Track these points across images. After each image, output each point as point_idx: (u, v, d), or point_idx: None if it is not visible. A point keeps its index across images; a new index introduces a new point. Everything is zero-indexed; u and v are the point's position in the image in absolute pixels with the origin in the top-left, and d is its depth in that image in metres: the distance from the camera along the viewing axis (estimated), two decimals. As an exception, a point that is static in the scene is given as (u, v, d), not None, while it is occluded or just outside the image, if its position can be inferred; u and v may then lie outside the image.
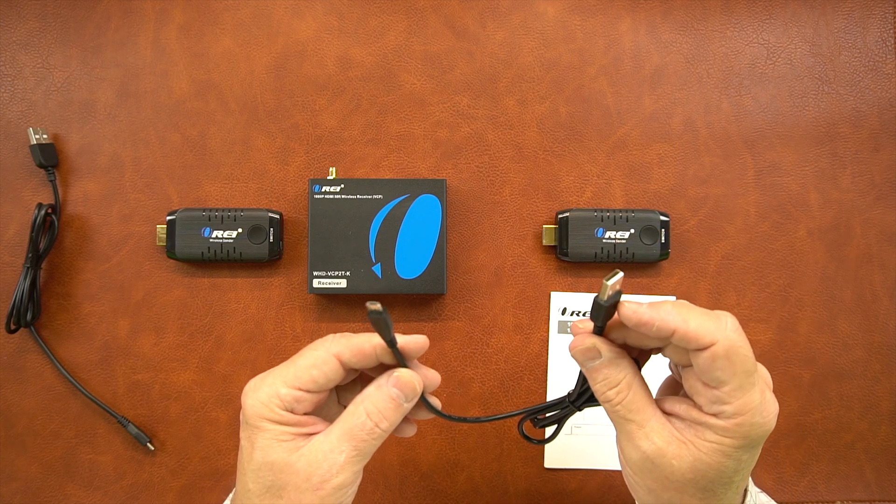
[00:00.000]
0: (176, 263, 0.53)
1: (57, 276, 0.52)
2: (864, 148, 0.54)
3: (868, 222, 0.54)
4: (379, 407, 0.34)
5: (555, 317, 0.53)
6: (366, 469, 0.52)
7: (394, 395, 0.34)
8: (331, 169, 0.52)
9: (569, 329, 0.35)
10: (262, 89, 0.53)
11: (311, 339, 0.52)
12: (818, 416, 0.53)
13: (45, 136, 0.52)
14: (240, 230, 0.51)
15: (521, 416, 0.38)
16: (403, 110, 0.54)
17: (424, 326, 0.53)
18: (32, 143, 0.51)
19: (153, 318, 0.53)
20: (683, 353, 0.33)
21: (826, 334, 0.53)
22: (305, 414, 0.34)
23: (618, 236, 0.51)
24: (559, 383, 0.53)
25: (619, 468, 0.52)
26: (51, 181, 0.52)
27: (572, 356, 0.35)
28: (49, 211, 0.51)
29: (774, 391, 0.53)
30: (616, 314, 0.33)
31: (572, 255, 0.51)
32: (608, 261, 0.52)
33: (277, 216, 0.52)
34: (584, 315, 0.53)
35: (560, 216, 0.52)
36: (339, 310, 0.53)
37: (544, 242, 0.53)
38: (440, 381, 0.37)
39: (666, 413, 0.35)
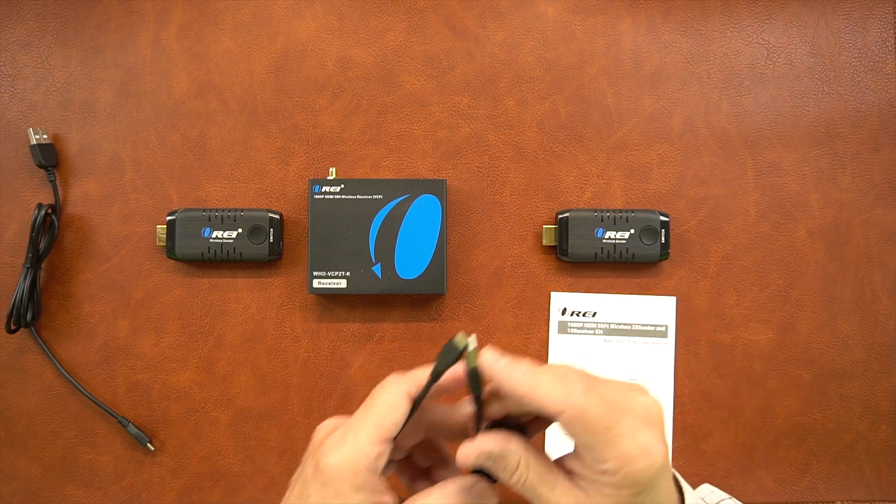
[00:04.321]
0: (176, 263, 0.53)
1: (57, 276, 0.52)
2: (864, 148, 0.54)
3: (868, 222, 0.54)
4: None
5: (555, 317, 0.53)
6: (366, 469, 0.52)
7: None
8: (331, 169, 0.52)
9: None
10: (262, 89, 0.53)
11: (312, 339, 0.53)
12: (818, 416, 0.53)
13: (45, 136, 0.52)
14: (240, 230, 0.51)
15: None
16: (403, 110, 0.54)
17: (424, 326, 0.53)
18: (32, 143, 0.51)
19: (153, 318, 0.53)
20: None
21: (826, 334, 0.53)
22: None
23: (618, 236, 0.51)
24: (559, 383, 0.53)
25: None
26: (51, 181, 0.52)
27: (468, 467, 0.35)
28: (49, 211, 0.51)
29: (775, 391, 0.53)
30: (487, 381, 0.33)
31: (572, 256, 0.51)
32: (608, 261, 0.52)
33: (277, 216, 0.52)
34: (583, 315, 0.53)
35: (560, 216, 0.52)
36: (340, 310, 0.53)
37: (544, 242, 0.53)
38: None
39: (568, 472, 0.35)
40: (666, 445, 0.33)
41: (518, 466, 0.35)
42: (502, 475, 0.35)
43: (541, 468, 0.35)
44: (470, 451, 0.34)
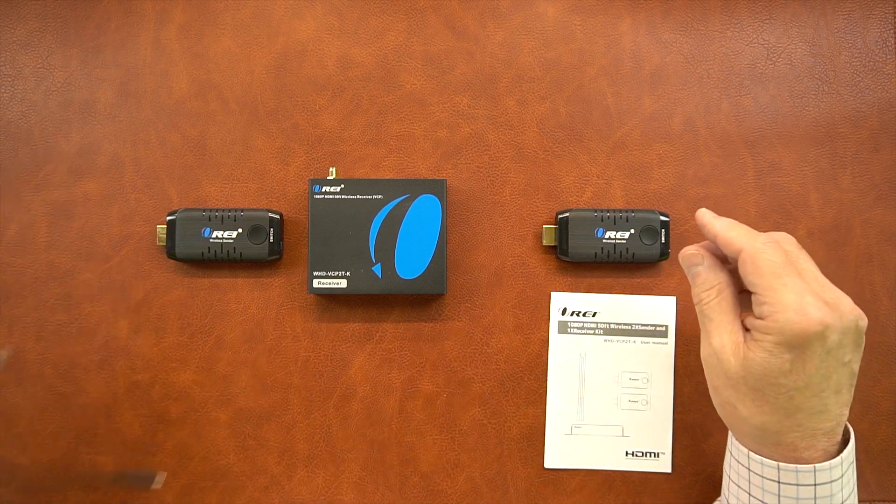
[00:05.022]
0: (176, 263, 0.53)
1: (57, 276, 0.52)
2: (864, 148, 0.54)
3: (868, 222, 0.54)
4: None
5: (555, 317, 0.53)
6: (366, 468, 0.52)
7: None
8: (331, 169, 0.52)
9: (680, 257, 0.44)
10: (262, 89, 0.53)
11: (312, 339, 0.53)
12: (818, 416, 0.53)
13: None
14: (240, 230, 0.51)
15: None
16: (403, 110, 0.54)
17: (424, 326, 0.53)
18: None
19: (153, 318, 0.53)
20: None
21: (826, 334, 0.53)
22: None
23: (618, 236, 0.51)
24: (559, 384, 0.53)
25: (619, 468, 0.53)
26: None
27: (680, 261, 0.43)
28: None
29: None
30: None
31: (572, 256, 0.51)
32: (608, 261, 0.52)
33: (277, 216, 0.52)
34: (584, 315, 0.53)
35: (560, 216, 0.52)
36: (339, 310, 0.53)
37: (544, 242, 0.53)
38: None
39: (745, 328, 0.39)
40: (835, 329, 0.36)
41: (713, 287, 0.41)
42: (697, 287, 0.42)
43: (725, 304, 0.40)
44: (687, 249, 0.43)
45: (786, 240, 0.39)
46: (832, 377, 0.37)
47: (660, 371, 0.53)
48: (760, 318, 0.37)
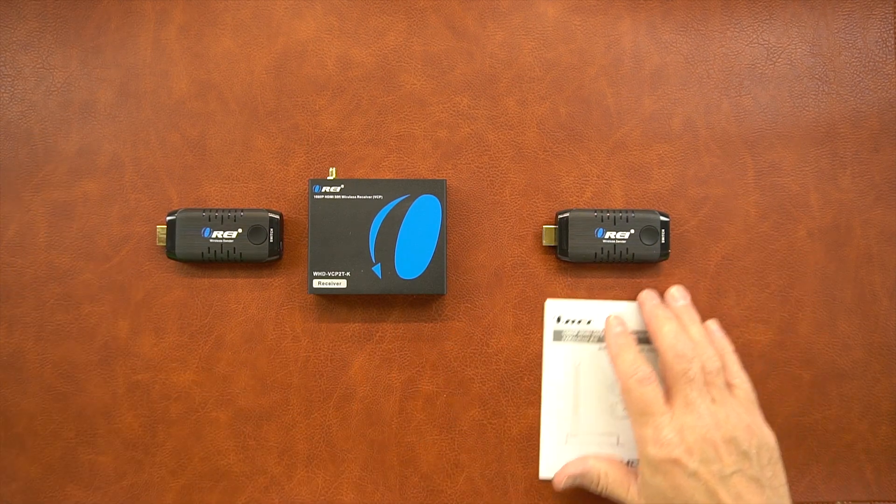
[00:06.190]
0: (176, 264, 0.53)
1: (57, 276, 0.52)
2: (864, 148, 0.54)
3: (868, 222, 0.54)
4: None
5: (549, 325, 0.53)
6: (366, 468, 0.52)
7: None
8: (331, 169, 0.52)
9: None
10: (262, 89, 0.53)
11: (312, 339, 0.53)
12: (818, 416, 0.53)
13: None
14: (240, 230, 0.51)
15: None
16: (403, 110, 0.54)
17: (424, 327, 0.53)
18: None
19: (153, 318, 0.53)
20: None
21: (826, 334, 0.53)
22: None
23: (618, 236, 0.51)
24: (554, 390, 0.53)
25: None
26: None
27: (561, 489, 0.50)
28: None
29: (775, 392, 0.53)
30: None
31: (572, 256, 0.51)
32: (608, 261, 0.52)
33: (277, 216, 0.52)
34: (578, 322, 0.53)
35: (560, 216, 0.52)
36: (340, 310, 0.53)
37: (544, 243, 0.53)
38: None
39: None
40: (689, 460, 0.42)
41: (599, 480, 0.47)
42: (589, 489, 0.48)
43: (617, 475, 0.47)
44: (560, 478, 0.49)
45: (689, 359, 0.46)
46: (719, 491, 0.41)
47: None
48: (637, 449, 0.44)
